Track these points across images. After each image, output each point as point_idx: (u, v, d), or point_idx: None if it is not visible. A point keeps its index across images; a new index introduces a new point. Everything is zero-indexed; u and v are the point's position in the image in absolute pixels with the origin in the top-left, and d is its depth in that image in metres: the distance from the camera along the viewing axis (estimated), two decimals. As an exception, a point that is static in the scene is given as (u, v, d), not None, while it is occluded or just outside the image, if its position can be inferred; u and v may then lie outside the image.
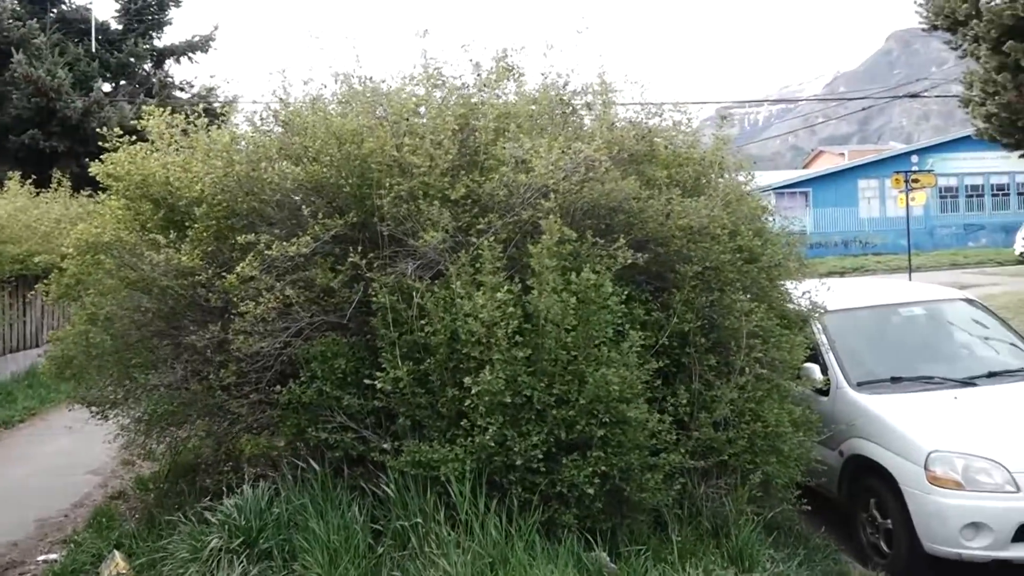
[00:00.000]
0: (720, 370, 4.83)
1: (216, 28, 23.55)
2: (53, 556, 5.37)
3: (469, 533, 3.88)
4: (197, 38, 23.12)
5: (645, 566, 3.99)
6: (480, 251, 4.38)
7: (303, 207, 4.67)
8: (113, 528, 5.46)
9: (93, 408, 5.41)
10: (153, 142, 5.55)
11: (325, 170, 4.80)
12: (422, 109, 5.36)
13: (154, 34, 23.04)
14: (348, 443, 4.34)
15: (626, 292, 4.44)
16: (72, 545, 5.32)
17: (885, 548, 5.12)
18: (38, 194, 13.34)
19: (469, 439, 4.04)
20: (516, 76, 5.78)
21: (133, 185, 5.28)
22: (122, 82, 22.35)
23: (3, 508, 6.42)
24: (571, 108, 5.92)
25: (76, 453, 8.21)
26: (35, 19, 19.14)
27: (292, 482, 4.39)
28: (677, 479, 4.35)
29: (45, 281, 5.68)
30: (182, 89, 22.99)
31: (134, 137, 5.62)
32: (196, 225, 4.83)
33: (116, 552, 4.93)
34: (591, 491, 3.98)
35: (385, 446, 4.22)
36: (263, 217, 5.03)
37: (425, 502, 4.01)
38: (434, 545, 3.86)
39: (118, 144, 5.53)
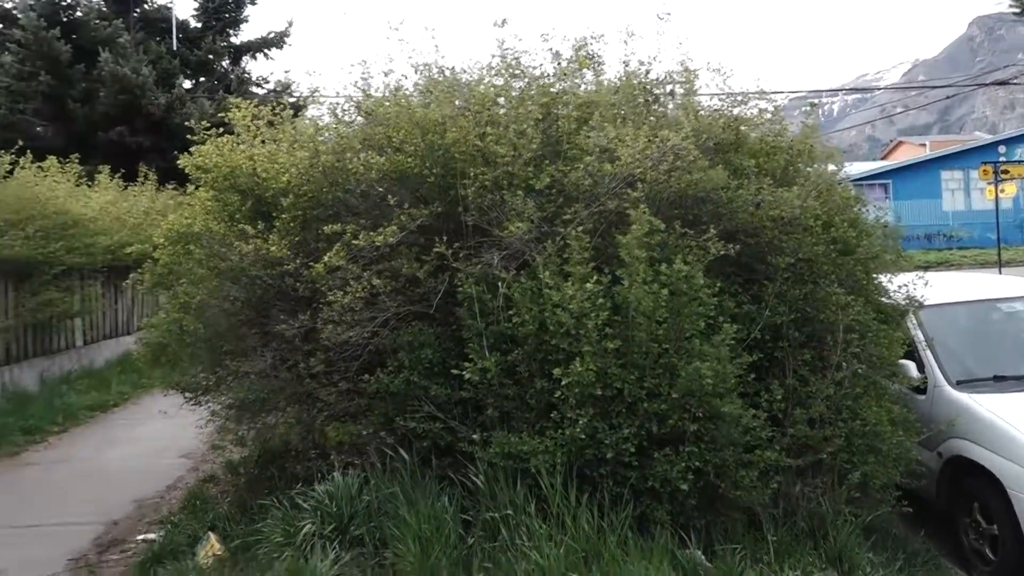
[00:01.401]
0: (815, 365, 4.67)
1: (291, 24, 24.02)
2: (151, 536, 5.53)
3: (560, 527, 3.83)
4: (272, 34, 23.61)
5: (742, 565, 3.88)
6: (567, 241, 4.32)
7: (388, 197, 4.67)
8: (206, 510, 5.59)
9: (187, 394, 5.55)
10: (238, 134, 5.64)
11: (409, 160, 4.80)
12: (501, 99, 5.33)
13: (231, 31, 23.62)
14: (436, 433, 4.34)
15: (718, 284, 4.32)
16: (169, 526, 5.46)
17: (990, 555, 4.87)
18: (126, 188, 13.81)
19: (559, 431, 3.99)
20: (595, 65, 5.70)
21: (221, 177, 5.36)
22: (201, 79, 22.99)
23: (103, 488, 6.67)
24: (654, 97, 5.80)
25: (168, 437, 8.47)
26: (120, 19, 19.86)
27: (381, 470, 4.41)
28: (773, 477, 4.21)
29: (140, 271, 5.83)
30: (258, 85, 23.53)
31: (222, 130, 5.72)
32: (283, 215, 4.89)
33: (211, 534, 5.04)
34: (685, 487, 3.89)
35: (474, 437, 4.20)
36: (348, 207, 5.06)
37: (515, 494, 3.97)
38: (525, 538, 3.82)
39: (206, 137, 5.60)
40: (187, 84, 21.98)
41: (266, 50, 23.63)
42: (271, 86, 23.38)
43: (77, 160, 12.24)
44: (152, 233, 12.16)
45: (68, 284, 10.41)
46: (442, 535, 3.91)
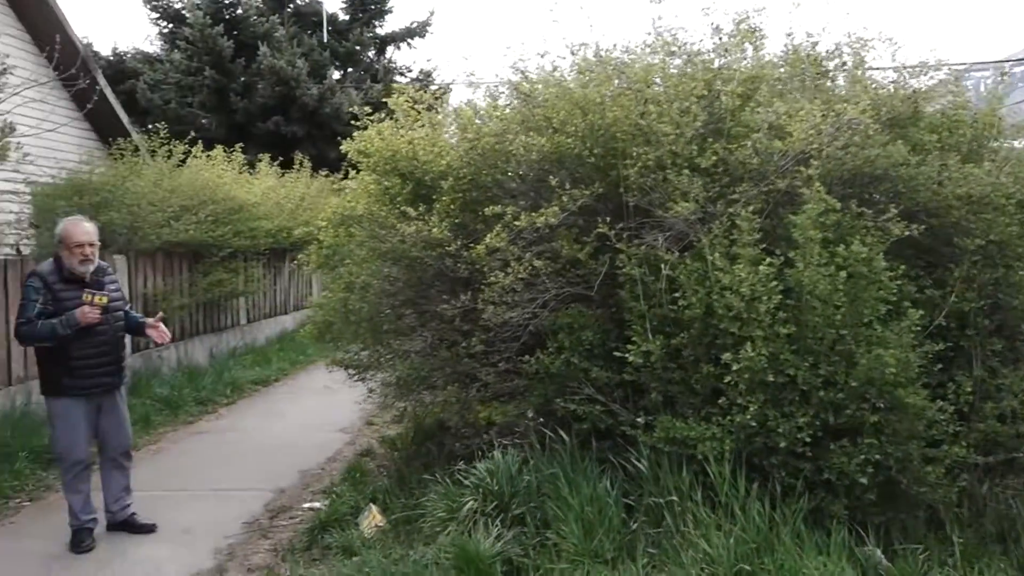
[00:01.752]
0: (1006, 356, 4.32)
1: (432, 14, 24.60)
2: (316, 504, 5.81)
3: (730, 516, 3.72)
4: (415, 24, 24.22)
5: (925, 566, 3.63)
6: (735, 222, 4.16)
7: (549, 177, 4.66)
8: (366, 483, 5.83)
9: (350, 371, 5.77)
10: (397, 119, 5.77)
11: (569, 141, 4.76)
12: (657, 79, 5.20)
13: (376, 23, 24.38)
14: (596, 415, 4.31)
15: (900, 268, 4.05)
16: (332, 496, 5.74)
17: None
18: (282, 175, 14.55)
19: (727, 418, 3.87)
20: (757, 39, 5.46)
21: (382, 160, 5.51)
22: (349, 69, 23.91)
23: (269, 457, 7.08)
24: (823, 70, 5.50)
25: (325, 412, 8.88)
26: (275, 14, 20.92)
27: (540, 451, 4.43)
28: (959, 475, 3.92)
29: (306, 252, 6.10)
30: (402, 74, 24.22)
31: (383, 114, 5.87)
32: (443, 198, 4.97)
33: (372, 506, 5.25)
34: (863, 481, 3.68)
35: (638, 420, 4.14)
36: (505, 190, 5.09)
37: (680, 480, 3.89)
38: (691, 525, 3.74)
39: (368, 122, 5.75)
40: (335, 75, 22.93)
41: (409, 39, 24.28)
42: (414, 74, 24.06)
43: (240, 149, 12.99)
44: (308, 218, 12.81)
45: (234, 266, 11.09)
46: (605, 518, 3.88)
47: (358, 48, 22.95)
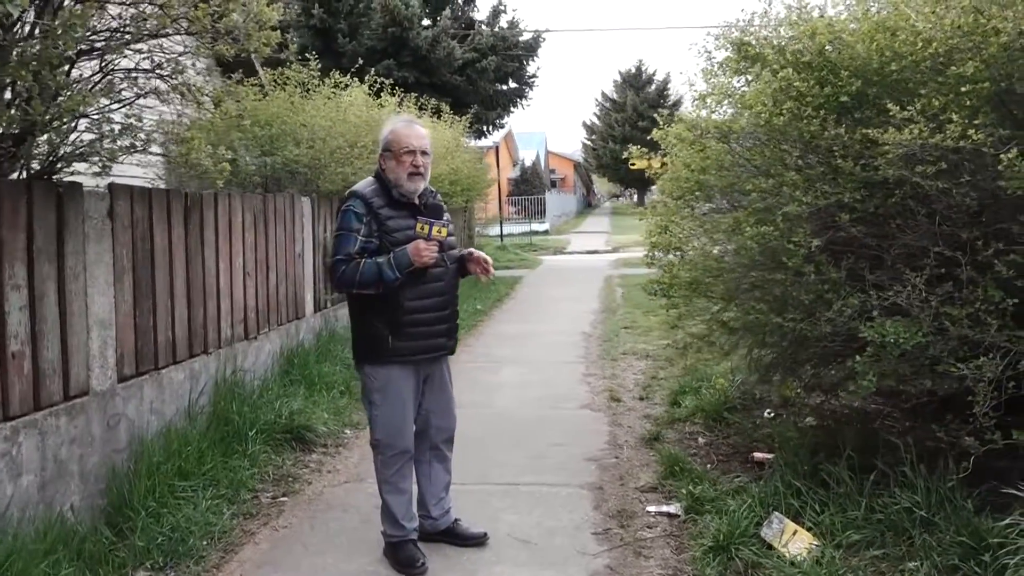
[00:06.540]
0: None
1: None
2: (669, 509, 4.48)
3: None
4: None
5: None
6: None
7: None
8: (693, 479, 4.67)
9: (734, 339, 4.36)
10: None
11: None
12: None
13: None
14: None
15: None
16: (685, 499, 4.48)
17: None
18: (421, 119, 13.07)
19: None
20: None
21: (799, 53, 4.04)
22: (439, 16, 22.30)
23: (533, 441, 5.82)
24: None
25: (538, 384, 7.54)
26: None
27: None
28: None
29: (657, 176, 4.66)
30: (488, 25, 22.55)
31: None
32: (962, 88, 3.47)
33: (780, 516, 3.93)
34: None
35: None
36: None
37: None
38: None
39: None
40: (425, 21, 21.36)
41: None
42: (501, 23, 22.38)
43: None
44: (456, 165, 11.28)
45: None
46: None
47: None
